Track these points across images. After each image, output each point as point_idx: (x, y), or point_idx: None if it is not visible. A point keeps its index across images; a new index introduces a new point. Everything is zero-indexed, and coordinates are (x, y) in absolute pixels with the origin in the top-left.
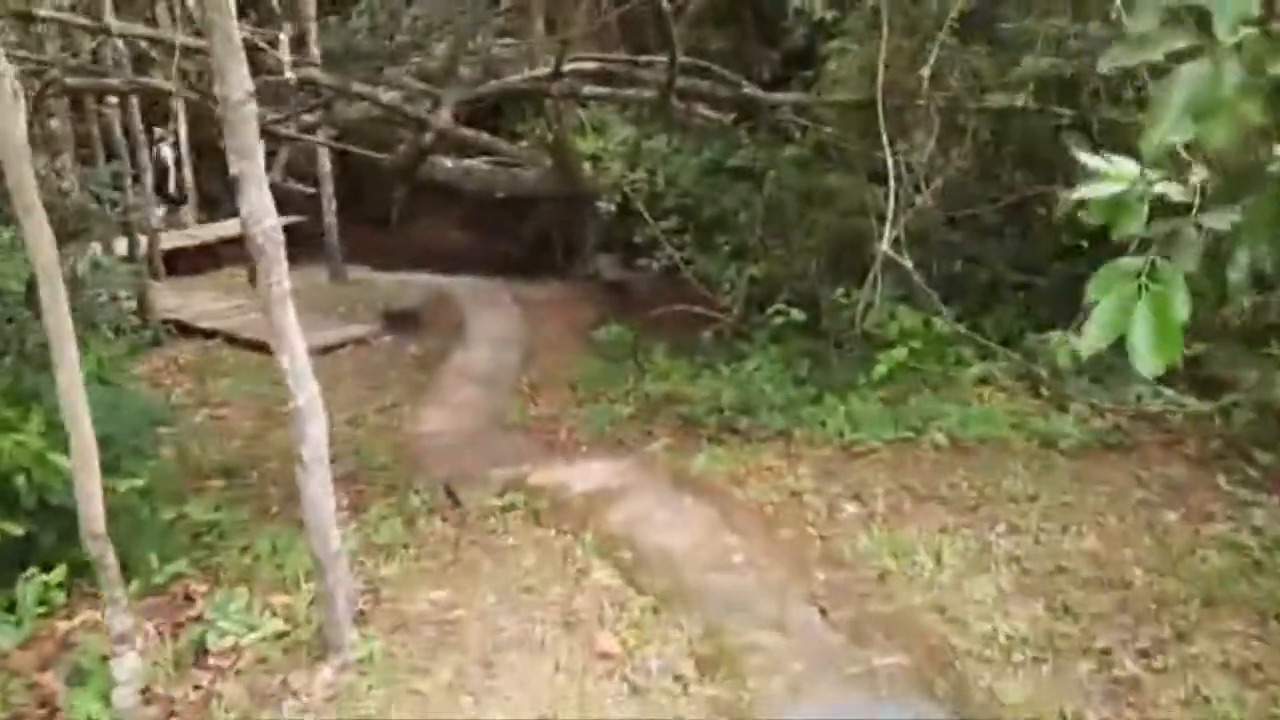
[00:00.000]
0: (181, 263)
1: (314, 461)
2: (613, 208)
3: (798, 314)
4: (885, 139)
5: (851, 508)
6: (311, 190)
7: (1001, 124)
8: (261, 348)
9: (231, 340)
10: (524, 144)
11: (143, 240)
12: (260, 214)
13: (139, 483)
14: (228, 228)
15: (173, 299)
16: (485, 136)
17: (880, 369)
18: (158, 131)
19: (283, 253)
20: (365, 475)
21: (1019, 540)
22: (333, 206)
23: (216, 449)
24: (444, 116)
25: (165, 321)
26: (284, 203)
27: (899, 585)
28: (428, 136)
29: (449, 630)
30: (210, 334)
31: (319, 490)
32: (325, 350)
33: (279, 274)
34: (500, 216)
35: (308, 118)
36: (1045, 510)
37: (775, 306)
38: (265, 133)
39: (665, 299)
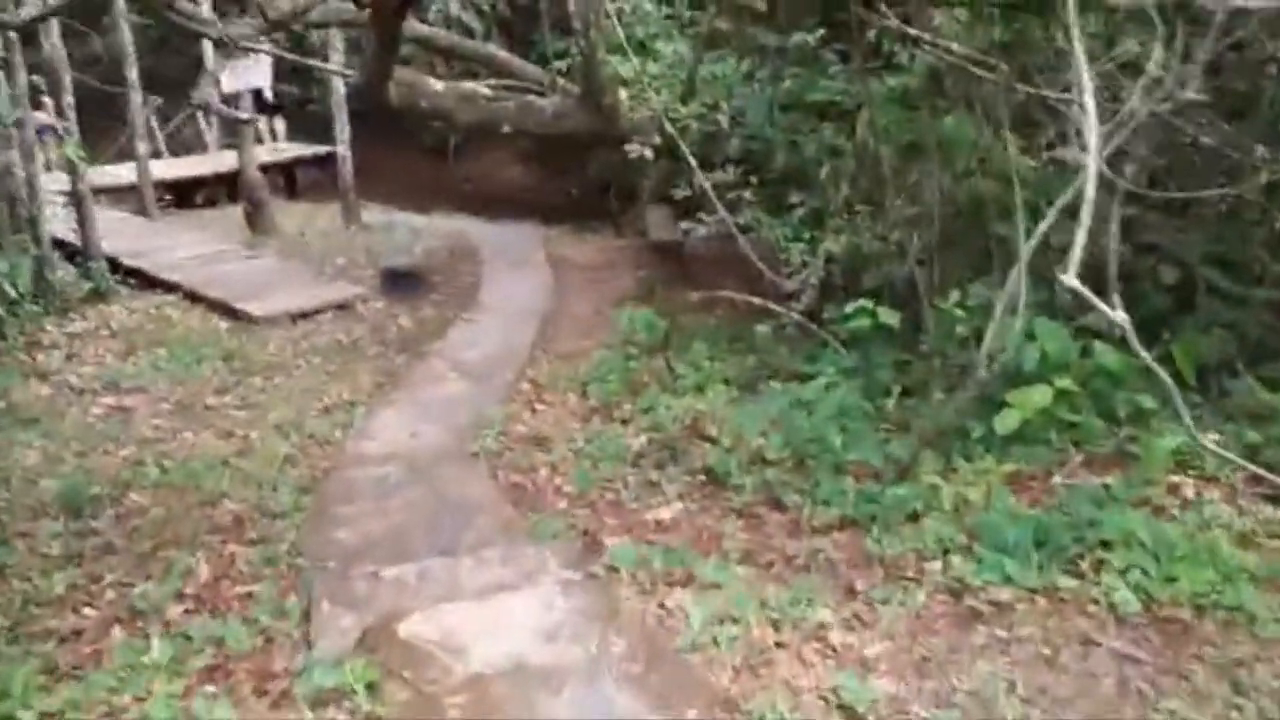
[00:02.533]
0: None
1: None
2: (648, 151)
3: (888, 315)
4: (1078, 42)
5: None
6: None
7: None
8: (226, 310)
9: (193, 298)
10: (557, 66)
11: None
12: None
13: None
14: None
15: (146, 240)
16: (490, 49)
17: (1009, 418)
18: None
19: None
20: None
21: None
22: (345, 134)
23: (79, 466)
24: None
25: (125, 270)
26: None
27: None
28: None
29: None
30: (171, 287)
31: None
32: (298, 316)
33: None
34: (564, 153)
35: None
36: None
37: (858, 302)
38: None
39: (718, 272)
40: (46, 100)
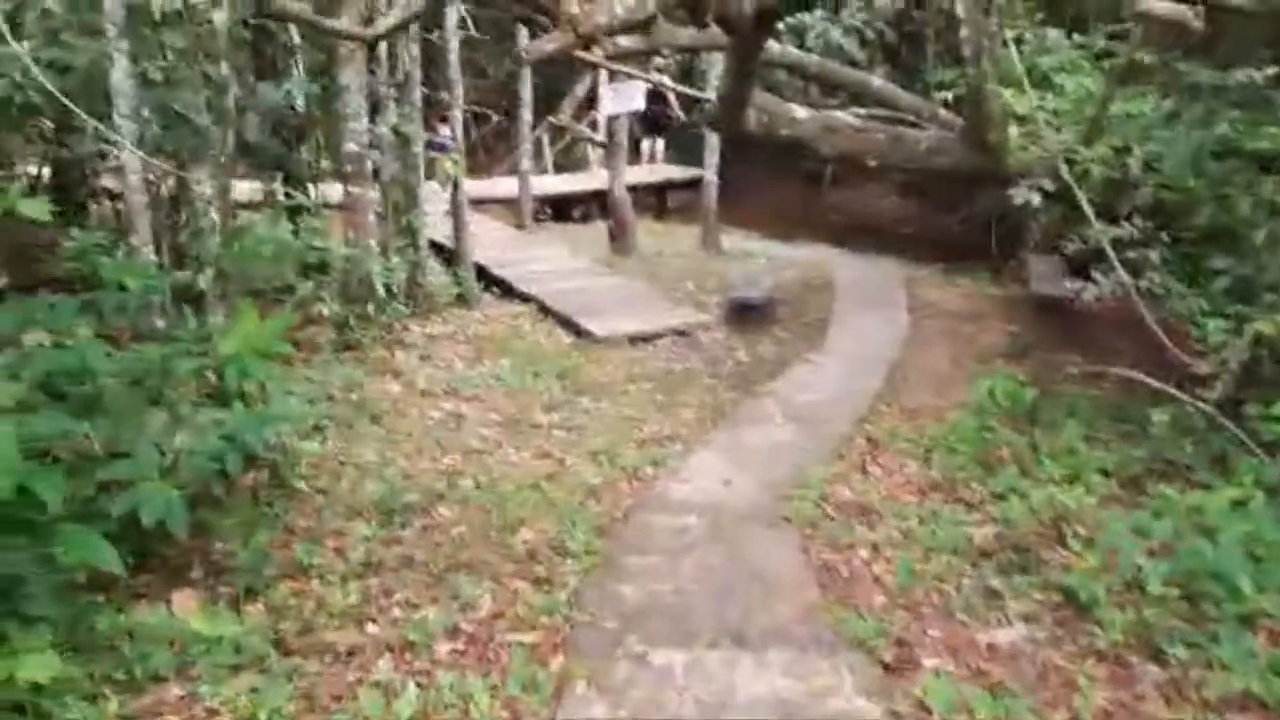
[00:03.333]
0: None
1: None
2: (1035, 196)
3: None
4: None
5: None
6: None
7: None
8: (571, 325)
9: (544, 310)
10: (941, 97)
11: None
12: None
13: None
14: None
15: (514, 252)
16: (865, 76)
17: None
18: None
19: None
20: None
21: None
22: (714, 160)
23: (403, 470)
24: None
25: (491, 278)
26: None
27: None
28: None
29: None
30: (526, 298)
31: None
32: (637, 339)
33: None
34: (948, 186)
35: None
36: None
37: None
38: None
39: (1110, 341)
40: (453, 115)
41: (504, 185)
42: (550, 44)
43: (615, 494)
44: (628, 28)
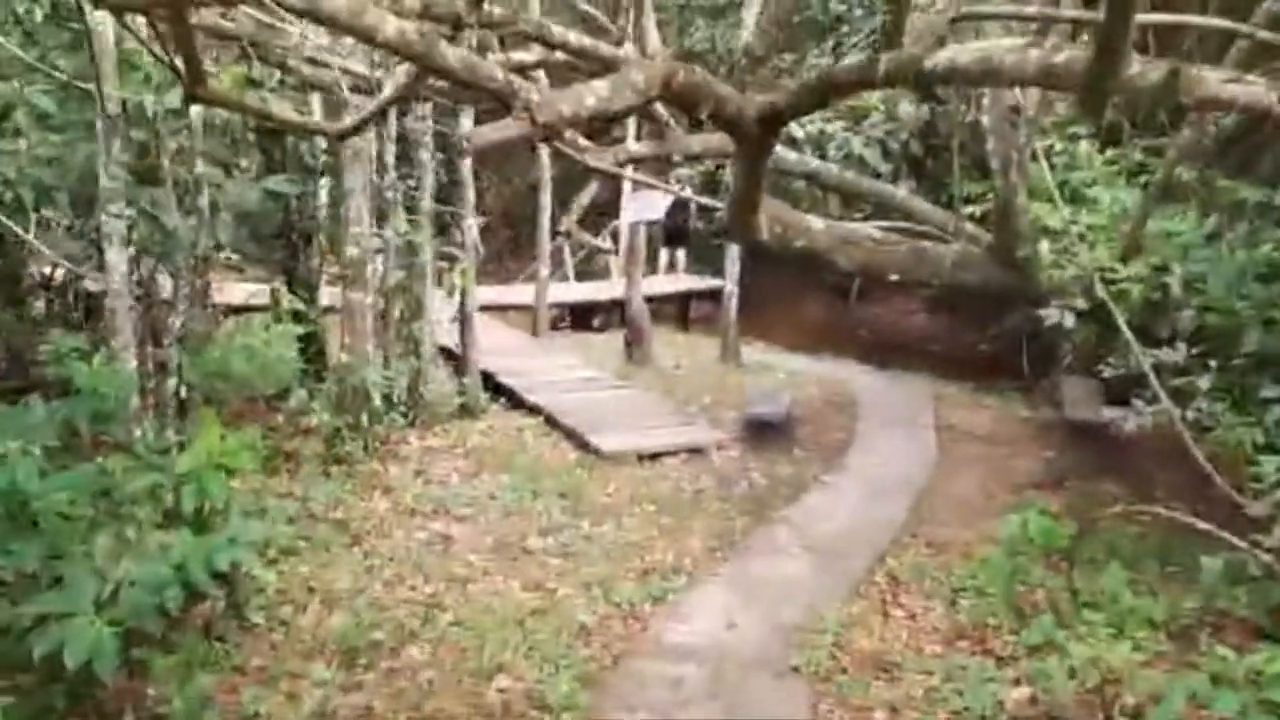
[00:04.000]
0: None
1: None
2: (1069, 317)
3: None
4: None
5: None
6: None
7: None
8: (578, 440)
9: (551, 422)
10: (968, 211)
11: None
12: None
13: None
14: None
15: (525, 360)
16: (886, 186)
17: None
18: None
19: None
20: None
21: None
22: (734, 270)
23: (377, 601)
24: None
25: (498, 386)
26: None
27: None
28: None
29: None
30: (534, 409)
31: None
32: (646, 457)
33: None
34: (977, 303)
35: None
36: None
37: None
38: None
39: (1153, 473)
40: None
41: (521, 292)
42: (498, 132)
43: (607, 635)
44: (598, 118)
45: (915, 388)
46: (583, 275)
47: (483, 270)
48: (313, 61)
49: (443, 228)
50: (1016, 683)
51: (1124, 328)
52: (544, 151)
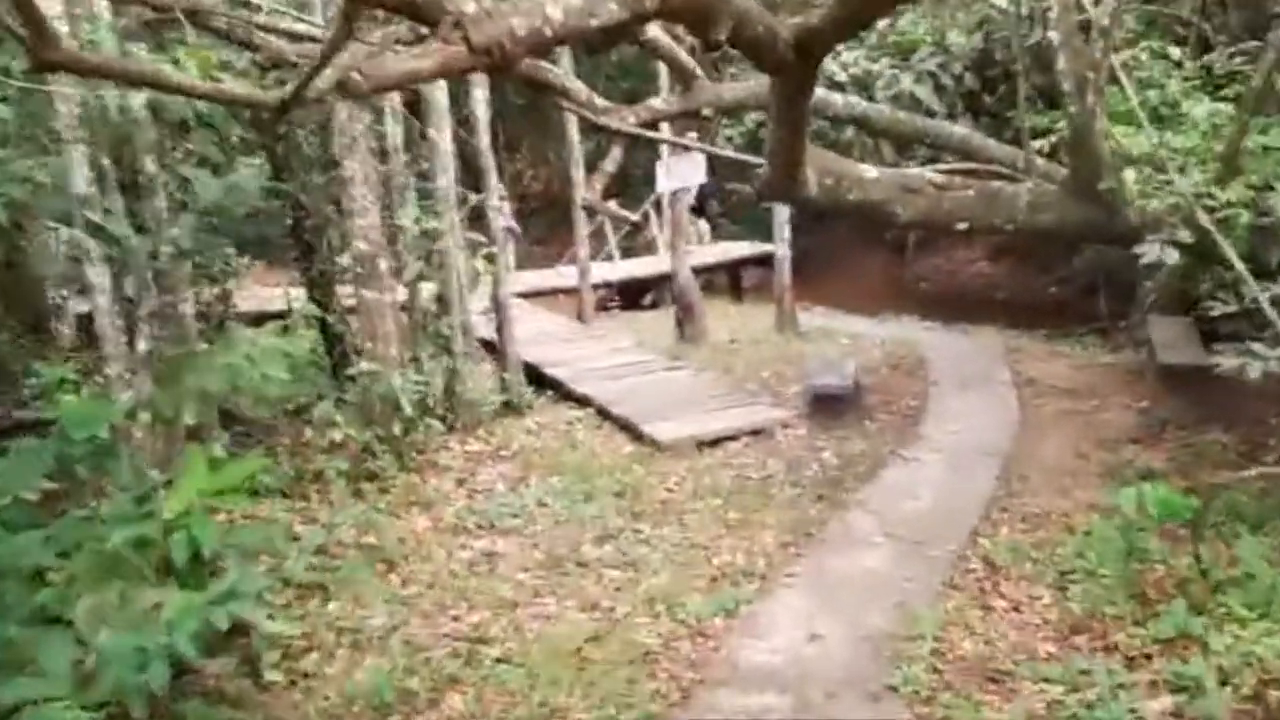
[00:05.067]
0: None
1: None
2: (1172, 252)
3: None
4: None
5: None
6: None
7: None
8: (631, 431)
9: (602, 414)
10: (1037, 145)
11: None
12: None
13: None
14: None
15: (571, 348)
16: (945, 125)
17: None
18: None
19: None
20: None
21: None
22: (784, 232)
23: (414, 640)
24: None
25: (543, 379)
26: None
27: None
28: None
29: None
30: (583, 401)
31: None
32: (706, 444)
33: None
34: (1042, 246)
35: None
36: None
37: None
38: None
39: (1263, 416)
40: (503, 202)
41: (565, 275)
42: (409, 63)
43: (674, 661)
44: (566, 39)
45: (985, 341)
46: (629, 253)
47: (526, 255)
48: (263, 29)
49: (478, 214)
50: (1153, 688)
51: (1235, 260)
52: (572, 120)
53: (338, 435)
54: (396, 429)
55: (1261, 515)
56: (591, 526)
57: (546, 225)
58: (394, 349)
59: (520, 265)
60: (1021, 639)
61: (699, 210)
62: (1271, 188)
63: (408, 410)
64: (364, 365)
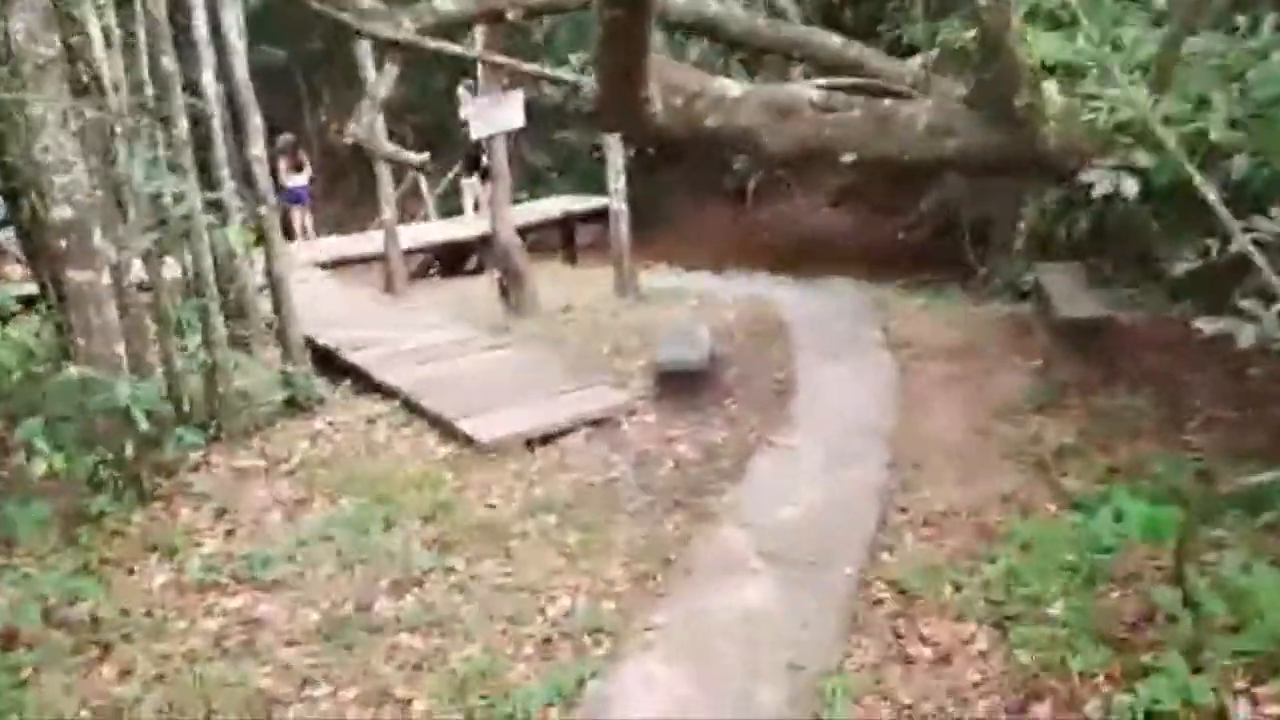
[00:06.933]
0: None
1: None
2: (1130, 183)
3: None
4: None
5: None
6: None
7: None
8: (445, 428)
9: (410, 408)
10: (919, 59)
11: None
12: None
13: None
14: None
15: (376, 327)
16: (818, 33)
17: None
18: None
19: None
20: None
21: None
22: (619, 183)
23: None
24: None
25: (343, 367)
26: None
27: None
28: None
29: None
30: (389, 393)
31: None
32: (536, 441)
33: None
34: (890, 188)
35: None
36: None
37: None
38: None
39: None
40: (303, 156)
41: (375, 240)
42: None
43: None
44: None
45: (845, 297)
46: (452, 211)
47: (334, 220)
48: None
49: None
50: None
51: (1210, 192)
52: (367, 53)
53: (44, 466)
54: (129, 450)
55: (1211, 510)
56: (389, 567)
57: (360, 186)
58: (117, 346)
59: (318, 232)
60: (961, 710)
61: (476, 163)
62: (1206, 102)
63: (143, 424)
64: (73, 370)
